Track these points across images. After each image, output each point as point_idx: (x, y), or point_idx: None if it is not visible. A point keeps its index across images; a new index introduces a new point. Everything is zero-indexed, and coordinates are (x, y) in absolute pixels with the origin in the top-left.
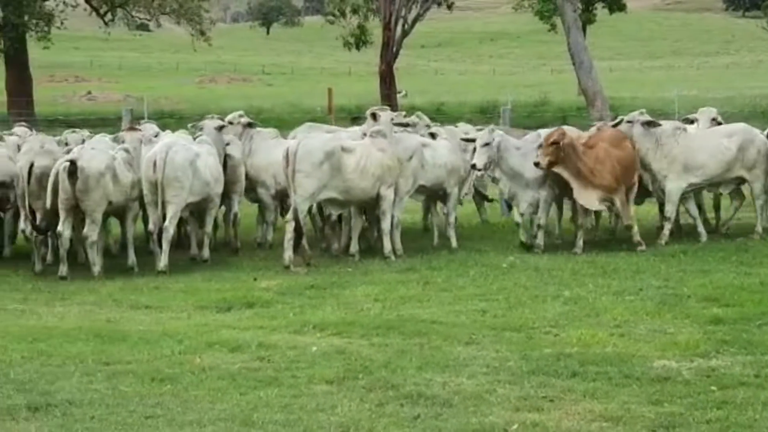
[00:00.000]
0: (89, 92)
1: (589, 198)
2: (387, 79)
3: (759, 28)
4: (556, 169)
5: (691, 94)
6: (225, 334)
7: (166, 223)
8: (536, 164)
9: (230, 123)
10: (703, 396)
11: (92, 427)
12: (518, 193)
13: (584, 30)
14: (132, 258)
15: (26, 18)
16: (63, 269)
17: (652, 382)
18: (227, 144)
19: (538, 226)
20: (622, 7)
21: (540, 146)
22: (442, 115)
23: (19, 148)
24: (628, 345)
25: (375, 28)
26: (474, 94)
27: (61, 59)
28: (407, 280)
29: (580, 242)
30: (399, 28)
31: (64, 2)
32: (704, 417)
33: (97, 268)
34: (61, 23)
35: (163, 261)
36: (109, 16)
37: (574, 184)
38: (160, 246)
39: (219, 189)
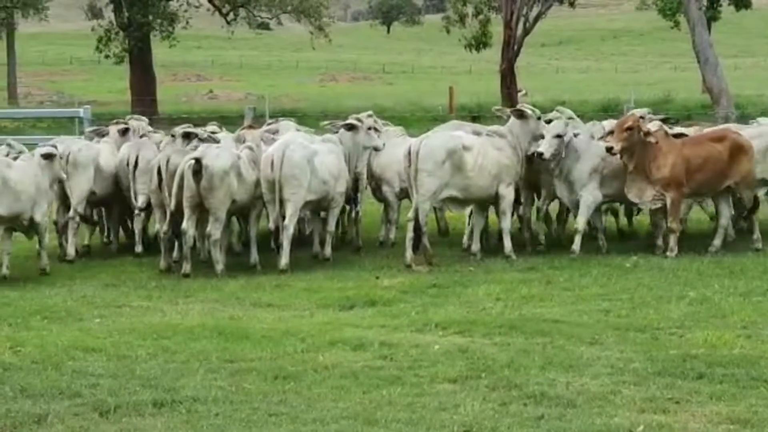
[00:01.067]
0: (211, 91)
1: (639, 192)
2: (508, 77)
3: None
4: (624, 158)
5: None
6: (347, 332)
7: (286, 221)
8: (609, 150)
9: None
10: None
11: (216, 423)
12: (557, 192)
13: (709, 27)
14: (255, 256)
15: (151, 18)
16: (186, 267)
17: None
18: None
19: (576, 230)
20: (747, 4)
21: (611, 132)
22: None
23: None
24: (756, 347)
25: (496, 26)
26: (596, 92)
27: (183, 58)
28: (529, 279)
29: (673, 245)
30: (520, 27)
31: (187, 2)
32: None
33: (220, 266)
34: (186, 23)
35: (284, 260)
36: (231, 15)
37: (630, 174)
38: (280, 245)
39: (341, 188)
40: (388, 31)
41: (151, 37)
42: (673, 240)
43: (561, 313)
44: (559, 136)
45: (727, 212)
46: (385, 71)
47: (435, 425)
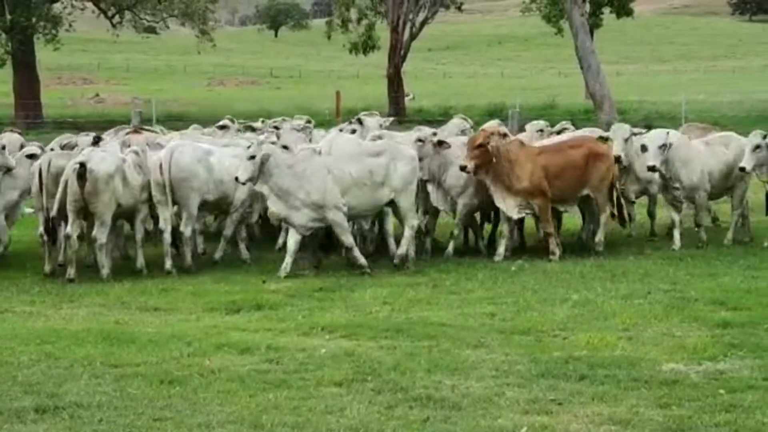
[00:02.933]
0: (97, 94)
1: (508, 204)
2: (395, 82)
3: (766, 33)
4: (479, 175)
5: (699, 99)
6: (234, 336)
7: (182, 225)
8: (462, 168)
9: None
10: (711, 399)
11: (100, 429)
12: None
13: (592, 34)
14: (141, 260)
15: (34, 20)
16: (71, 271)
17: (660, 385)
18: None
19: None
20: (629, 12)
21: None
22: (450, 118)
23: None
24: (637, 348)
25: (382, 31)
26: (482, 97)
27: (68, 61)
28: (416, 283)
29: (501, 249)
30: (407, 32)
31: (72, 5)
32: (712, 420)
33: (105, 271)
34: (69, 25)
35: (168, 262)
36: (117, 18)
37: (494, 189)
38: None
39: (242, 193)
40: (276, 35)
41: (35, 40)
42: (552, 244)
43: (447, 316)
44: (253, 157)
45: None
46: (272, 75)
47: (321, 428)
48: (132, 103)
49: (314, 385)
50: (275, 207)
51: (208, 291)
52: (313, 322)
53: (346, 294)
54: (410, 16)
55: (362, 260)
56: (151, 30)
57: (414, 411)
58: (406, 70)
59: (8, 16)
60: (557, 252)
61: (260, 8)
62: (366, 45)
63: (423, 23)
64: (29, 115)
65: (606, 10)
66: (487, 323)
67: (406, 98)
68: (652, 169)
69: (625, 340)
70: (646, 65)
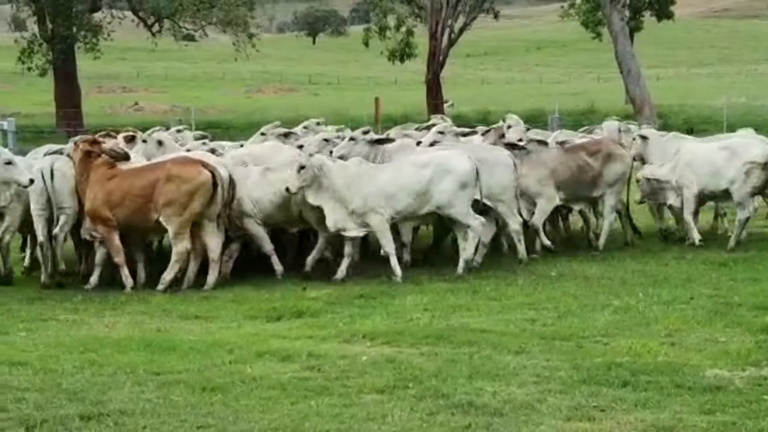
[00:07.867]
0: (136, 103)
1: (83, 227)
2: (433, 88)
3: None
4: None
5: (740, 102)
6: (275, 343)
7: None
8: None
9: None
10: (756, 405)
11: None
12: None
13: (631, 38)
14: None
15: (74, 30)
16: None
17: (703, 391)
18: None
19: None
20: (669, 15)
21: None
22: (488, 124)
23: None
24: (680, 354)
25: (421, 37)
26: (521, 102)
27: (108, 70)
28: (456, 289)
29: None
30: (445, 38)
31: (111, 14)
32: (757, 426)
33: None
34: (108, 35)
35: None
36: (156, 27)
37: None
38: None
39: None
40: (314, 42)
41: (76, 48)
42: (123, 274)
43: (487, 322)
44: None
45: (214, 243)
46: (311, 82)
47: None
48: (171, 112)
49: (356, 392)
50: None
51: (249, 298)
52: (353, 329)
53: (386, 301)
54: (449, 22)
55: None
56: (190, 38)
57: (456, 417)
58: (444, 76)
59: (49, 26)
60: (128, 284)
61: (298, 15)
62: (404, 52)
63: (461, 29)
64: (71, 123)
65: (646, 13)
66: (527, 329)
67: (445, 105)
68: None
69: (667, 345)
70: (687, 69)
